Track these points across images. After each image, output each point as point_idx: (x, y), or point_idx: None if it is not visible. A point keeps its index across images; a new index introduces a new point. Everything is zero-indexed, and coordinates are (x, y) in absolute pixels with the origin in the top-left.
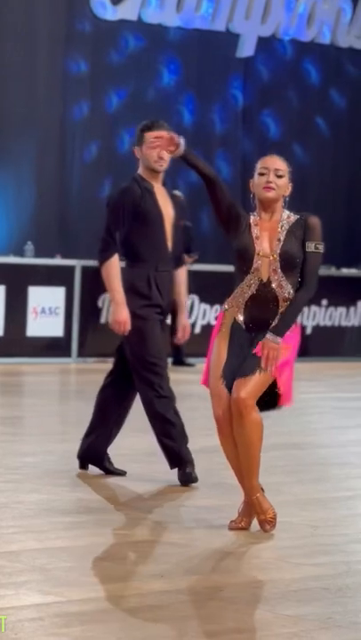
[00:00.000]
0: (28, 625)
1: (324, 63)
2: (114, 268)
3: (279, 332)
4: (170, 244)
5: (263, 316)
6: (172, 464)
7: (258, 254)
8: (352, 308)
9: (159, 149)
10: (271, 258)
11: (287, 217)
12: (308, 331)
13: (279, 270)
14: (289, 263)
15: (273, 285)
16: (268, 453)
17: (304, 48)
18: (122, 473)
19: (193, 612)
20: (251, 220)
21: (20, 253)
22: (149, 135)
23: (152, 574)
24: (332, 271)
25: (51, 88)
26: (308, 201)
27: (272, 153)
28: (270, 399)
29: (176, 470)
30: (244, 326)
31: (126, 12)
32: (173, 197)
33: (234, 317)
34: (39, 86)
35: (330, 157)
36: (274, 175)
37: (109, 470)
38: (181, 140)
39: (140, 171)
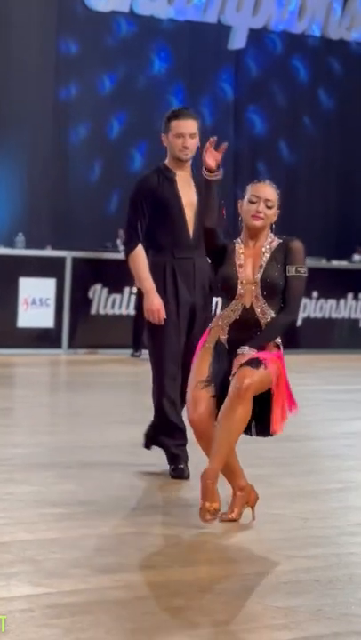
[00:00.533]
0: (18, 616)
1: (313, 55)
2: (139, 257)
3: (253, 344)
4: (191, 231)
5: (244, 340)
6: (169, 461)
7: (241, 282)
8: (342, 301)
9: (183, 142)
10: (253, 284)
11: (270, 242)
12: (299, 323)
13: (260, 297)
14: (270, 289)
15: (256, 311)
16: (258, 445)
17: (295, 40)
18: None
19: (183, 603)
20: (235, 248)
21: (11, 244)
22: (176, 123)
23: (142, 566)
24: (323, 263)
25: (43, 72)
26: (299, 195)
27: (264, 180)
28: (262, 426)
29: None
30: (226, 346)
31: (118, 3)
32: None
33: (218, 336)
34: (30, 72)
35: (320, 151)
36: (264, 205)
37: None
38: (221, 170)
39: (167, 159)
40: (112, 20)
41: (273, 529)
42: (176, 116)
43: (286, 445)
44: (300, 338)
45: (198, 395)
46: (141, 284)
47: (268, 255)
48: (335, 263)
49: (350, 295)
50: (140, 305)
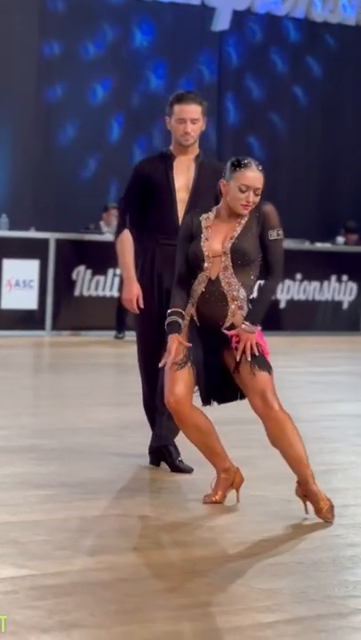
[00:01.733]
0: (2, 598)
1: (299, 36)
2: (124, 243)
3: (253, 320)
4: (179, 216)
5: (213, 315)
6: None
7: (207, 256)
8: (326, 283)
9: (184, 127)
10: (222, 255)
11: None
12: (283, 305)
13: (230, 267)
14: (240, 259)
15: (221, 283)
16: (242, 427)
17: (279, 22)
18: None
19: (166, 585)
20: (202, 223)
21: None
22: (178, 108)
23: (125, 548)
24: (307, 245)
25: (27, 28)
26: (283, 179)
27: (249, 163)
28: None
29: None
30: (198, 323)
31: None
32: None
33: (191, 314)
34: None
35: (303, 134)
36: (253, 195)
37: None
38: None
39: (172, 142)
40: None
41: (257, 511)
42: (179, 100)
43: None
44: (283, 320)
45: (174, 376)
46: (121, 272)
47: (242, 225)
48: (319, 245)
49: (334, 277)
50: None
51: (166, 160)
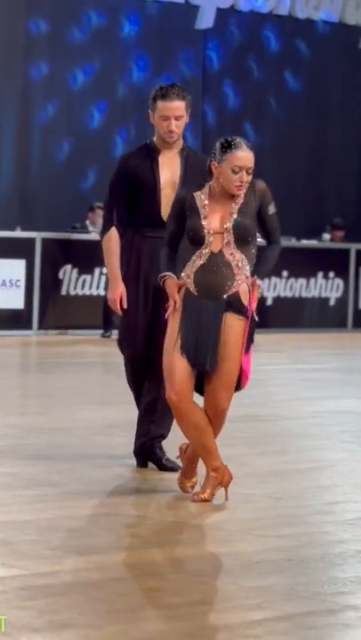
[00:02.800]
0: None
1: (282, 33)
2: (110, 242)
3: (260, 274)
4: (164, 210)
5: (215, 280)
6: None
7: (209, 232)
8: (312, 280)
9: (168, 125)
10: (224, 232)
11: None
12: (269, 302)
13: (232, 243)
14: (242, 236)
15: (225, 255)
16: (230, 424)
17: (263, 19)
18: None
19: (156, 584)
20: (197, 201)
21: None
22: (162, 105)
23: (116, 547)
24: (293, 242)
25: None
26: (268, 176)
27: (240, 144)
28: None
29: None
30: (196, 293)
31: None
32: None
33: (186, 287)
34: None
35: (288, 132)
36: (246, 174)
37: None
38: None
39: (155, 136)
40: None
41: (245, 509)
42: (163, 95)
43: (258, 425)
44: (270, 317)
45: (175, 371)
46: (107, 270)
47: (240, 203)
48: (305, 242)
49: (320, 274)
50: None
51: (151, 154)
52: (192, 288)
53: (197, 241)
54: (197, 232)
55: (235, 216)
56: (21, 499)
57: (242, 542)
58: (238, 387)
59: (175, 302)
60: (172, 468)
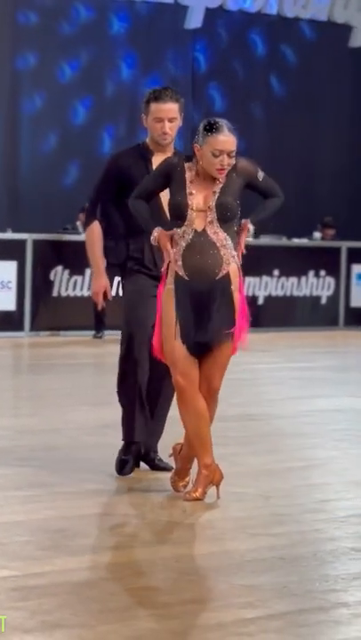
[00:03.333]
0: None
1: (271, 31)
2: (93, 234)
3: (255, 220)
4: (167, 213)
5: (204, 263)
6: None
7: (192, 209)
8: (303, 278)
9: (161, 127)
10: (207, 210)
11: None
12: (261, 301)
13: (215, 221)
14: (225, 215)
15: (209, 234)
16: (222, 424)
17: (251, 18)
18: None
19: (148, 583)
20: (185, 175)
21: None
22: (155, 107)
23: (107, 547)
24: (284, 241)
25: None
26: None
27: (221, 127)
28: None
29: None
30: (187, 278)
31: None
32: None
33: (175, 271)
34: None
35: (278, 131)
36: (228, 157)
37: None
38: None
39: (147, 138)
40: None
41: (237, 507)
42: (156, 98)
43: (250, 424)
44: (261, 316)
45: (181, 354)
46: (91, 263)
47: (222, 182)
48: (296, 241)
49: (311, 273)
50: None
51: (145, 155)
52: (182, 272)
53: (178, 215)
54: (180, 207)
55: (218, 195)
56: (13, 500)
57: (234, 541)
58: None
59: (170, 254)
60: (165, 468)
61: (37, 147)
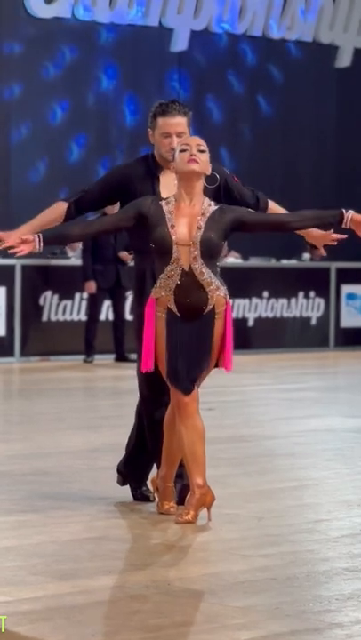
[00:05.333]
0: None
1: (257, 53)
2: (51, 209)
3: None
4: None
5: (194, 303)
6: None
7: (176, 244)
8: (293, 300)
9: (170, 142)
10: (191, 246)
11: (208, 205)
12: (250, 323)
13: (199, 258)
14: (209, 251)
15: (195, 273)
16: (213, 446)
17: (237, 40)
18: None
19: (141, 606)
20: (164, 209)
21: None
22: (163, 121)
23: (99, 570)
24: (273, 263)
25: None
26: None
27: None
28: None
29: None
30: (179, 314)
31: (60, 9)
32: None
33: (167, 306)
34: None
35: (265, 150)
36: (196, 150)
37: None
38: (35, 238)
39: (155, 153)
40: (54, 41)
41: (229, 529)
42: (163, 112)
43: (241, 445)
44: (251, 338)
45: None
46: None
47: (207, 215)
48: (285, 262)
49: (301, 294)
50: (91, 311)
51: (152, 170)
52: (174, 308)
53: (163, 251)
54: (163, 241)
55: (202, 230)
56: (4, 525)
57: (226, 562)
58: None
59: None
60: (147, 498)
61: (26, 175)
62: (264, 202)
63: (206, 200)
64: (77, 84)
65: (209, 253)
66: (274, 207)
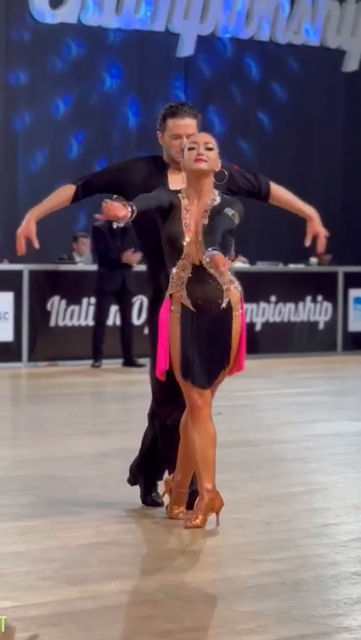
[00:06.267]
0: None
1: (264, 59)
2: (59, 190)
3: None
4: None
5: (208, 294)
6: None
7: (187, 241)
8: (301, 304)
9: (180, 144)
10: (198, 243)
11: (212, 199)
12: (258, 327)
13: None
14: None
15: (206, 266)
16: (221, 450)
17: (244, 45)
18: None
19: (150, 611)
20: (182, 203)
21: None
22: (173, 123)
23: (108, 575)
24: (280, 267)
25: None
26: (253, 201)
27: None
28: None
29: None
30: (193, 308)
31: (66, 15)
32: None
33: (181, 302)
34: None
35: (272, 154)
36: (204, 148)
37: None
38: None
39: (164, 155)
40: (60, 37)
41: (238, 534)
42: (173, 113)
43: (249, 450)
44: (259, 342)
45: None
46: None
47: (209, 210)
48: (292, 267)
49: (309, 298)
50: (98, 315)
51: (161, 168)
52: (187, 303)
53: (176, 248)
54: (176, 236)
55: (206, 224)
56: (13, 530)
57: (235, 567)
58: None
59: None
60: (157, 504)
61: (33, 179)
62: (266, 187)
63: (214, 192)
64: (81, 80)
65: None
66: (276, 192)
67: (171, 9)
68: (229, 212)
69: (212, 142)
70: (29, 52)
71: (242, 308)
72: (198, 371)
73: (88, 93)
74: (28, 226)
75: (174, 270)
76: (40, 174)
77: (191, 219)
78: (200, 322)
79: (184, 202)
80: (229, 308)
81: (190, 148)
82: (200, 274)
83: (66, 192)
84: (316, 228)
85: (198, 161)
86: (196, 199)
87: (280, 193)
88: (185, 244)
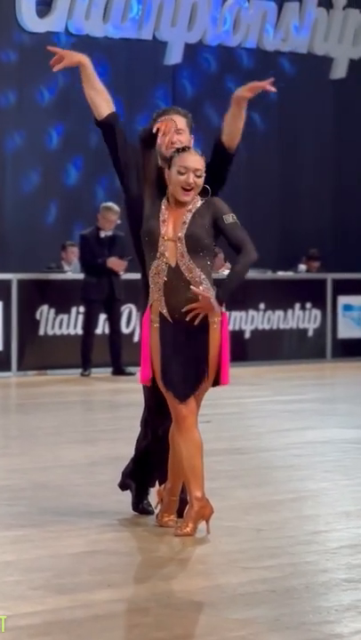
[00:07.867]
0: None
1: (251, 66)
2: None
3: (223, 293)
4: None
5: (183, 303)
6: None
7: (163, 238)
8: (290, 311)
9: (167, 135)
10: (177, 241)
11: (195, 200)
12: (247, 335)
13: (186, 254)
14: (195, 245)
15: (182, 269)
16: (210, 458)
17: (231, 53)
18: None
19: (140, 620)
20: (163, 204)
21: None
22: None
23: (98, 584)
24: (269, 275)
25: None
26: (240, 206)
27: (188, 147)
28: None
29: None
30: (170, 319)
31: (53, 23)
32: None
33: (159, 311)
34: None
35: (261, 161)
36: (193, 175)
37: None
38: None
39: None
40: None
41: (228, 541)
42: (165, 111)
43: (238, 458)
44: (248, 350)
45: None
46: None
47: (192, 211)
48: (281, 274)
49: (297, 305)
50: (87, 324)
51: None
52: (166, 313)
53: (150, 243)
54: (152, 233)
55: (187, 224)
56: (3, 539)
57: (225, 575)
58: (217, 383)
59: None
60: (148, 512)
61: (19, 186)
62: (218, 136)
63: (196, 198)
64: (70, 107)
65: (195, 249)
66: (223, 128)
67: (158, 16)
68: (229, 218)
69: (202, 167)
70: (17, 71)
71: (223, 320)
72: (178, 382)
73: (78, 118)
74: (75, 54)
75: (150, 275)
76: (30, 194)
77: (170, 217)
78: (176, 333)
79: (165, 203)
80: (205, 319)
81: (180, 173)
82: (176, 277)
83: (105, 103)
84: (258, 84)
85: (185, 194)
86: (174, 204)
87: (224, 124)
88: (161, 241)
